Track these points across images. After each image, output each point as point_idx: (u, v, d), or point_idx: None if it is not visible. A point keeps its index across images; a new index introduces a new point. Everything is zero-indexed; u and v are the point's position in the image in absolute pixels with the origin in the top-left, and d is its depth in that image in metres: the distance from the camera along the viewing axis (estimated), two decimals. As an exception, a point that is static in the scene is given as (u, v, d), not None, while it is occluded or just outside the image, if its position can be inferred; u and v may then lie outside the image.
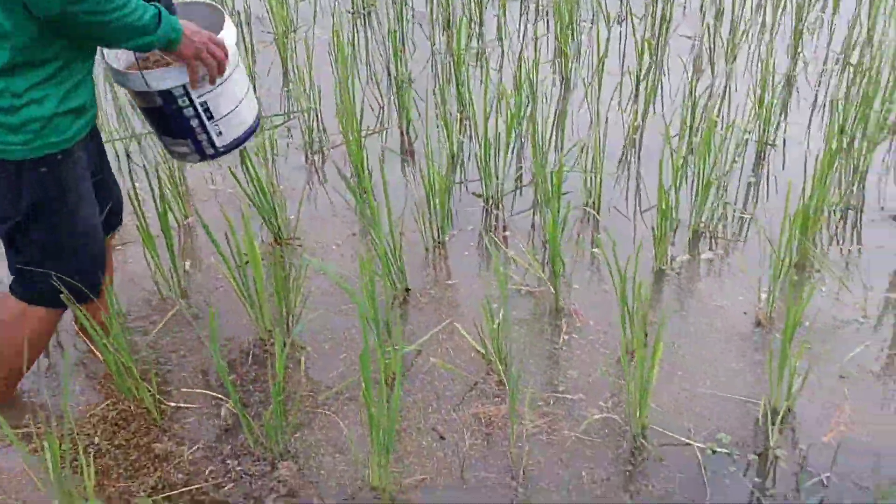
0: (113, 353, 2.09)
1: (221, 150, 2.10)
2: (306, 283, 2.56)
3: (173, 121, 2.02)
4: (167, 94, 1.97)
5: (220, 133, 2.06)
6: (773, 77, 3.24)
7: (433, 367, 2.34)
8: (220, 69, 1.96)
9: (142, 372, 2.23)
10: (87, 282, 2.02)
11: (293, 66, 3.68)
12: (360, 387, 2.17)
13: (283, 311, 2.41)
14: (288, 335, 2.39)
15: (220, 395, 2.23)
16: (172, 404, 2.22)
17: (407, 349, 2.36)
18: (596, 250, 2.74)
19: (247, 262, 2.34)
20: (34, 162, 1.82)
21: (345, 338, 2.44)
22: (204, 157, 2.11)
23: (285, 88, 3.62)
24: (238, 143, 2.12)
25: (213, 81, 1.98)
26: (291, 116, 3.42)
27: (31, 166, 1.82)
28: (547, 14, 4.08)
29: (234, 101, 2.06)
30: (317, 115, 3.39)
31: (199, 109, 2.00)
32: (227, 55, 1.97)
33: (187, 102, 1.99)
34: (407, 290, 2.60)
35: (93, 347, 2.26)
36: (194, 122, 2.03)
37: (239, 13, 4.10)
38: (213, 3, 2.12)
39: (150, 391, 2.18)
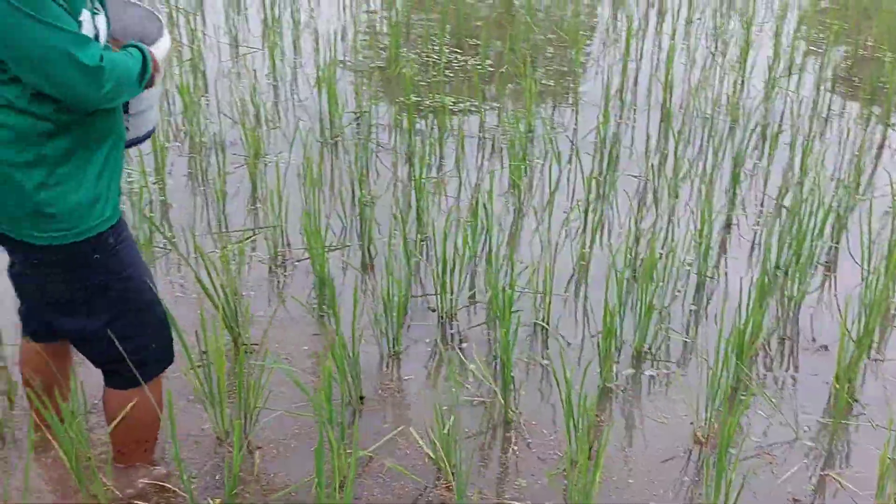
0: (72, 443, 2.14)
1: (126, 143, 2.17)
2: (265, 386, 2.64)
3: None
4: None
5: (128, 129, 2.14)
6: (712, 215, 3.49)
7: (386, 471, 2.41)
8: (151, 84, 2.06)
9: (99, 462, 2.27)
10: (168, 345, 2.18)
11: (262, 187, 3.85)
12: (312, 488, 2.23)
13: (241, 410, 2.47)
14: (245, 435, 2.45)
15: (175, 490, 2.27)
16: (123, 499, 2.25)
17: (361, 453, 2.43)
18: (545, 362, 2.87)
19: (205, 364, 2.42)
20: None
21: (300, 440, 2.50)
22: None
23: (253, 207, 3.78)
24: (139, 140, 2.22)
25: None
26: (257, 232, 3.57)
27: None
28: (501, 150, 4.34)
29: (150, 103, 2.17)
30: (282, 232, 3.54)
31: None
32: (158, 71, 2.07)
33: None
34: (361, 397, 2.69)
35: (50, 436, 2.29)
36: None
37: (214, 135, 4.30)
38: (152, 10, 2.26)
39: (105, 485, 2.21)
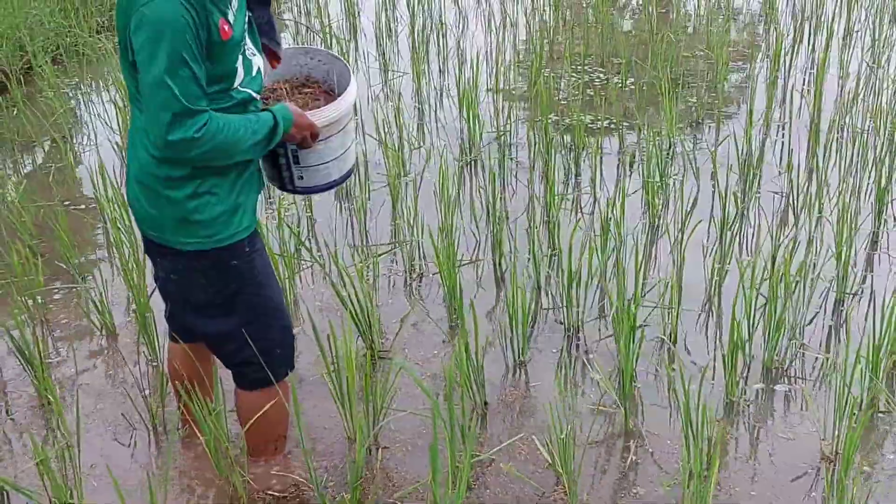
0: (214, 436, 2.35)
1: (300, 189, 2.32)
2: (394, 391, 2.78)
3: (269, 152, 2.25)
4: None
5: (302, 178, 2.28)
6: (853, 231, 3.37)
7: (504, 475, 2.49)
8: (305, 146, 2.19)
9: (238, 455, 2.47)
10: (291, 351, 2.36)
11: (402, 205, 4.03)
12: (431, 487, 2.34)
13: (369, 412, 2.62)
14: (371, 435, 2.60)
15: (304, 481, 2.44)
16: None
17: (480, 456, 2.52)
18: (670, 374, 2.87)
19: (338, 368, 2.59)
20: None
21: (425, 439, 2.62)
22: (284, 189, 2.35)
23: (393, 223, 3.96)
24: (318, 189, 2.34)
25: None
26: (395, 246, 3.74)
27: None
28: (639, 167, 4.34)
29: (323, 159, 2.27)
30: (419, 246, 3.70)
31: (289, 154, 2.23)
32: (316, 137, 2.17)
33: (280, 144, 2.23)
34: (485, 403, 2.79)
35: (196, 430, 2.51)
36: (282, 161, 2.27)
37: (357, 157, 4.54)
38: (337, 55, 2.39)
39: (243, 475, 2.41)
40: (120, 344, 3.16)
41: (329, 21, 6.71)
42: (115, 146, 4.73)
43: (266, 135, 2.04)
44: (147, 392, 2.87)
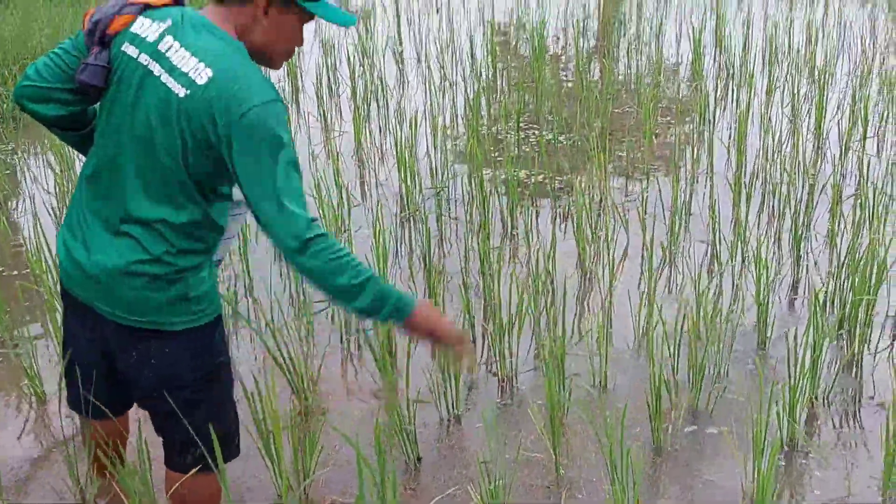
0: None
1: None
2: (327, 446, 2.81)
3: None
4: None
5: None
6: (769, 278, 3.51)
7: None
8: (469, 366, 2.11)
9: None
10: (237, 436, 2.24)
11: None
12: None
13: (298, 468, 2.64)
14: (302, 489, 2.62)
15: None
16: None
17: (413, 507, 2.56)
18: (596, 421, 2.94)
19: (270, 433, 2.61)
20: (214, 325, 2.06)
21: (354, 498, 2.65)
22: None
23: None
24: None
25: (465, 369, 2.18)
26: (329, 304, 3.79)
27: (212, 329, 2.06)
28: (571, 219, 4.47)
29: (230, 234, 2.25)
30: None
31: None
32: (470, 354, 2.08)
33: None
34: (419, 458, 2.83)
35: (121, 492, 2.49)
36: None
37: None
38: None
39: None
40: (49, 411, 3.14)
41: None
42: (52, 210, 4.72)
43: (363, 306, 1.93)
44: (76, 463, 2.83)
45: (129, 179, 1.92)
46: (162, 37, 1.88)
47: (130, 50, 1.90)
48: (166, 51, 1.86)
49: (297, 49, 2.06)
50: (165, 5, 1.95)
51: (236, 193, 2.08)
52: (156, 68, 1.86)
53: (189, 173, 1.89)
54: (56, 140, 5.62)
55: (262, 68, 1.96)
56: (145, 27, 1.90)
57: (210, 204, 1.96)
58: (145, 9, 1.93)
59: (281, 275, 4.09)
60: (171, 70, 1.84)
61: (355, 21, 2.03)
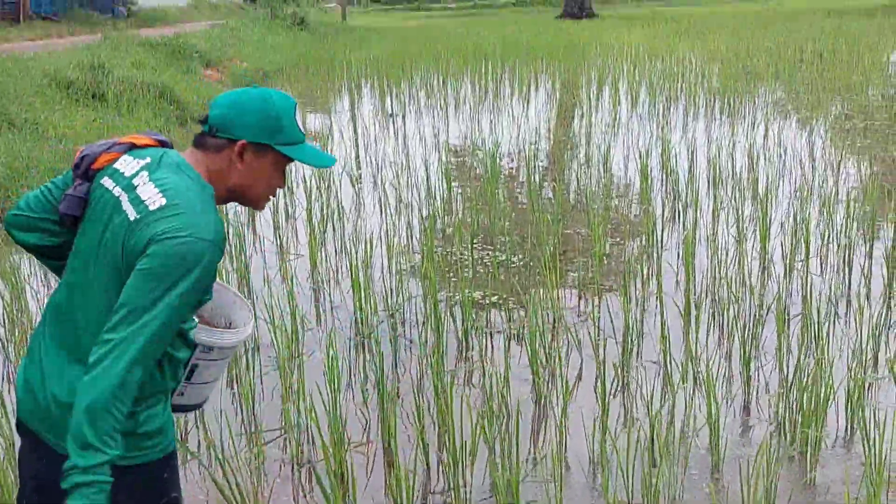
0: None
1: (174, 406, 2.19)
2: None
3: None
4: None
5: (182, 394, 2.21)
6: (718, 400, 3.55)
7: None
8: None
9: None
10: None
11: (293, 387, 4.05)
12: None
13: None
14: None
15: None
16: None
17: None
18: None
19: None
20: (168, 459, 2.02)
21: None
22: None
23: (283, 406, 3.96)
24: (187, 408, 2.30)
25: None
26: (283, 432, 3.73)
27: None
28: (525, 340, 4.50)
29: (214, 376, 2.27)
30: (307, 430, 3.70)
31: (188, 368, 2.18)
32: None
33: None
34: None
35: None
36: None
37: (246, 342, 4.57)
38: (243, 299, 2.42)
39: None
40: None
41: (225, 208, 6.88)
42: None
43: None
44: None
45: (91, 308, 1.93)
46: (138, 172, 1.94)
47: (108, 183, 1.96)
48: (136, 184, 1.92)
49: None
50: (150, 146, 2.03)
51: (202, 335, 2.10)
52: (124, 199, 1.91)
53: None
54: (7, 267, 5.58)
55: (240, 209, 2.00)
56: (126, 163, 1.97)
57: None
58: (131, 148, 2.01)
59: (232, 402, 4.03)
60: (134, 199, 1.90)
61: (335, 161, 2.09)
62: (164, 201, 1.87)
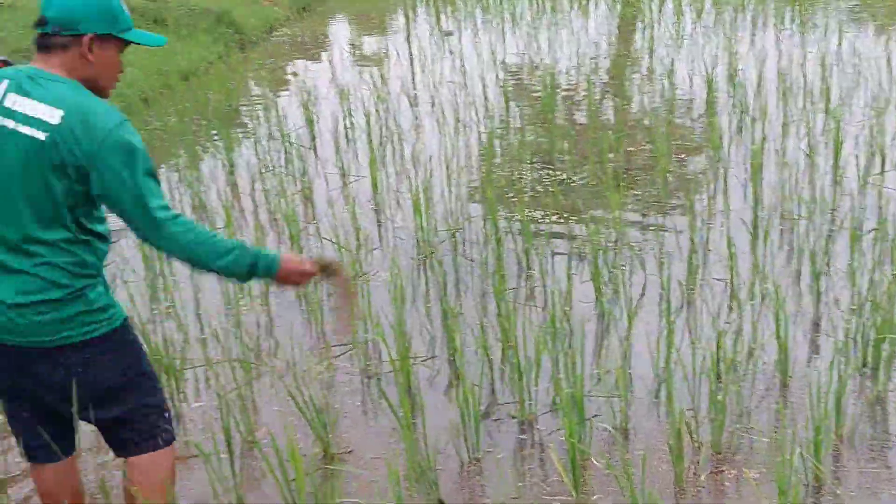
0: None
1: None
2: (348, 492, 2.80)
3: None
4: None
5: None
6: (787, 316, 3.50)
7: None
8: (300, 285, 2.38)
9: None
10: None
11: (360, 305, 4.10)
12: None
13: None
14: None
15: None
16: None
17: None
18: (615, 463, 2.92)
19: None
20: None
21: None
22: None
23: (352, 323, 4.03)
24: None
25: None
26: (353, 346, 3.80)
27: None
28: (587, 260, 4.47)
29: None
30: (374, 345, 3.76)
31: None
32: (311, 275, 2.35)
33: None
34: (440, 501, 2.81)
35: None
36: None
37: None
38: None
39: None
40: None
41: (288, 130, 6.91)
42: None
43: (241, 272, 2.22)
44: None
45: (11, 224, 2.09)
46: (4, 96, 2.07)
47: None
48: (13, 106, 2.05)
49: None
50: None
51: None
52: (10, 123, 2.05)
53: (64, 204, 2.07)
54: None
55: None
56: None
57: (89, 227, 2.14)
58: None
59: (303, 318, 4.11)
60: (26, 120, 2.04)
61: (165, 41, 2.29)
62: (60, 112, 2.02)
